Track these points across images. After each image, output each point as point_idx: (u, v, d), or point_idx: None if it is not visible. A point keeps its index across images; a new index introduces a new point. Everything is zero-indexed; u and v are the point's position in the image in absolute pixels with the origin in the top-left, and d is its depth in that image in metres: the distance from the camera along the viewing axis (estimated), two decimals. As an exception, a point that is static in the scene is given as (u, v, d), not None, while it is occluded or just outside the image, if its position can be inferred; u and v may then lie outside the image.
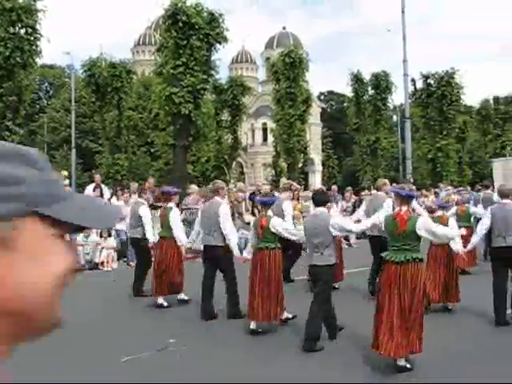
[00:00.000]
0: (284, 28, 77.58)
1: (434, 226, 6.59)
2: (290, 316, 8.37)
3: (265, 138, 66.06)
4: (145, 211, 10.97)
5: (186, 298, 10.16)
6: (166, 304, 9.83)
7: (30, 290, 0.73)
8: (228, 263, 8.97)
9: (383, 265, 6.61)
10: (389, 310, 6.16)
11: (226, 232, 8.83)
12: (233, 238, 8.90)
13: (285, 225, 8.44)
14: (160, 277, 9.91)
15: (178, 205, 16.73)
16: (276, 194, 13.22)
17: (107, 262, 14.89)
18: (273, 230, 7.99)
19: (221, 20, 24.32)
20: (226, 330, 8.23)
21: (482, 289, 8.67)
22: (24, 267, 0.72)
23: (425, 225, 6.44)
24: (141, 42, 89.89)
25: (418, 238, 6.44)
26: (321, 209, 7.45)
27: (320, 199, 7.62)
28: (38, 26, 21.23)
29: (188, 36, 23.33)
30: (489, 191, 16.47)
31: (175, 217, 10.15)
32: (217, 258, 8.94)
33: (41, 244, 0.74)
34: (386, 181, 11.57)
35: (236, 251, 8.86)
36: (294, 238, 8.27)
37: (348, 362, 6.46)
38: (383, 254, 6.59)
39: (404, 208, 6.55)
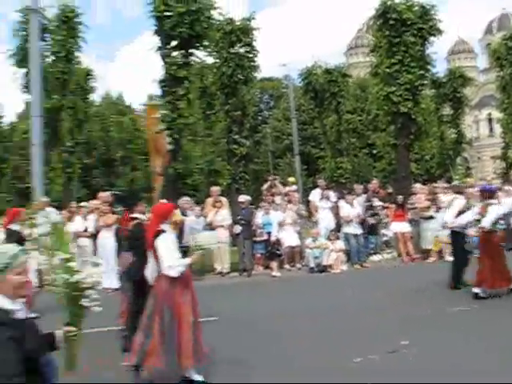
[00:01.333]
0: (504, 9, 73.03)
1: None
2: None
3: (491, 129, 62.92)
4: (460, 203, 11.28)
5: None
6: (483, 295, 10.08)
7: None
8: None
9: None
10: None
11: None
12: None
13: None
14: (492, 269, 10.10)
15: (402, 206, 16.60)
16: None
17: (335, 265, 15.16)
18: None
19: (433, 12, 23.57)
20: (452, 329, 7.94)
21: None
22: None
23: None
24: (354, 45, 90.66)
25: None
26: None
27: None
28: (254, 43, 22.80)
29: (401, 33, 22.97)
30: None
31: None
32: None
33: None
34: None
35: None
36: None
37: None
38: None
39: None
